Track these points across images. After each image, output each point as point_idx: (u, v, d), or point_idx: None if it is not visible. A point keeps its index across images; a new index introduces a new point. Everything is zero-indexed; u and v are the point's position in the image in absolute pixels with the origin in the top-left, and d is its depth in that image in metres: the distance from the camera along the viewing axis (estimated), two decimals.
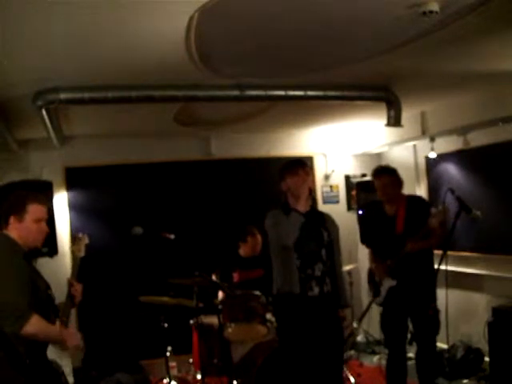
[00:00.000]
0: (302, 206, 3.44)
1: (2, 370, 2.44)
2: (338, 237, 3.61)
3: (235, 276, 4.93)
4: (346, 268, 5.52)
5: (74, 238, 3.07)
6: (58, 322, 2.72)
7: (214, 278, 4.93)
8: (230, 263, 5.02)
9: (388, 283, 4.10)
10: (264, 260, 4.89)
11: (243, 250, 5.06)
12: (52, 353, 2.64)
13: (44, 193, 4.65)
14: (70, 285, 2.88)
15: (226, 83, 3.79)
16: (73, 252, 3.02)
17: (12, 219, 2.68)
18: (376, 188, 4.19)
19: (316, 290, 3.36)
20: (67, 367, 2.69)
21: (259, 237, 4.98)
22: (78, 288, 2.89)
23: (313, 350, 3.32)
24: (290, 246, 3.32)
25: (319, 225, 3.49)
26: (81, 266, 2.99)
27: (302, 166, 3.51)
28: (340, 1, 2.43)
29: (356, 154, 6.82)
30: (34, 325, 2.44)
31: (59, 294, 2.90)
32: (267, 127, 6.03)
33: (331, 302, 3.45)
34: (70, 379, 2.69)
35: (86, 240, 3.09)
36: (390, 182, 4.10)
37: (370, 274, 4.37)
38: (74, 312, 5.33)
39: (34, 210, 2.74)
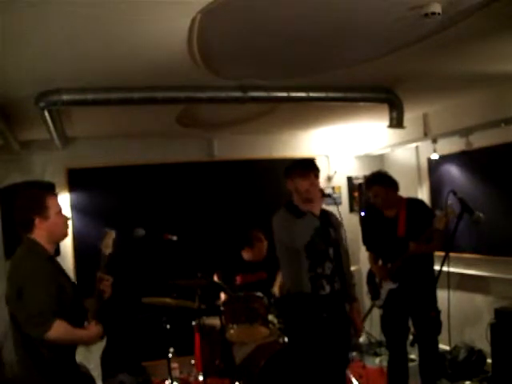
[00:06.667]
0: (317, 210, 3.33)
1: (26, 373, 2.47)
2: (341, 231, 3.57)
3: (238, 278, 4.90)
4: None
5: (105, 234, 2.95)
6: (86, 323, 2.69)
7: (215, 279, 4.92)
8: (232, 266, 4.99)
9: (388, 286, 4.10)
10: (267, 263, 4.89)
11: (248, 255, 5.00)
12: (80, 356, 2.64)
13: None
14: (100, 280, 2.80)
15: (229, 85, 3.79)
16: (100, 249, 2.89)
17: (37, 220, 2.60)
18: (370, 197, 4.22)
19: (327, 289, 3.34)
20: (95, 371, 2.68)
21: (265, 242, 4.94)
22: (108, 282, 2.82)
23: (323, 349, 3.30)
24: (301, 249, 3.29)
25: (327, 224, 3.46)
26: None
27: (314, 170, 3.46)
28: (341, 3, 2.43)
29: (358, 156, 6.82)
30: (57, 331, 2.44)
31: None
32: (270, 129, 6.03)
33: (341, 299, 3.43)
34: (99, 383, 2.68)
35: (113, 235, 2.94)
36: (382, 191, 4.08)
37: (370, 275, 4.37)
38: None
39: (54, 203, 2.68)
